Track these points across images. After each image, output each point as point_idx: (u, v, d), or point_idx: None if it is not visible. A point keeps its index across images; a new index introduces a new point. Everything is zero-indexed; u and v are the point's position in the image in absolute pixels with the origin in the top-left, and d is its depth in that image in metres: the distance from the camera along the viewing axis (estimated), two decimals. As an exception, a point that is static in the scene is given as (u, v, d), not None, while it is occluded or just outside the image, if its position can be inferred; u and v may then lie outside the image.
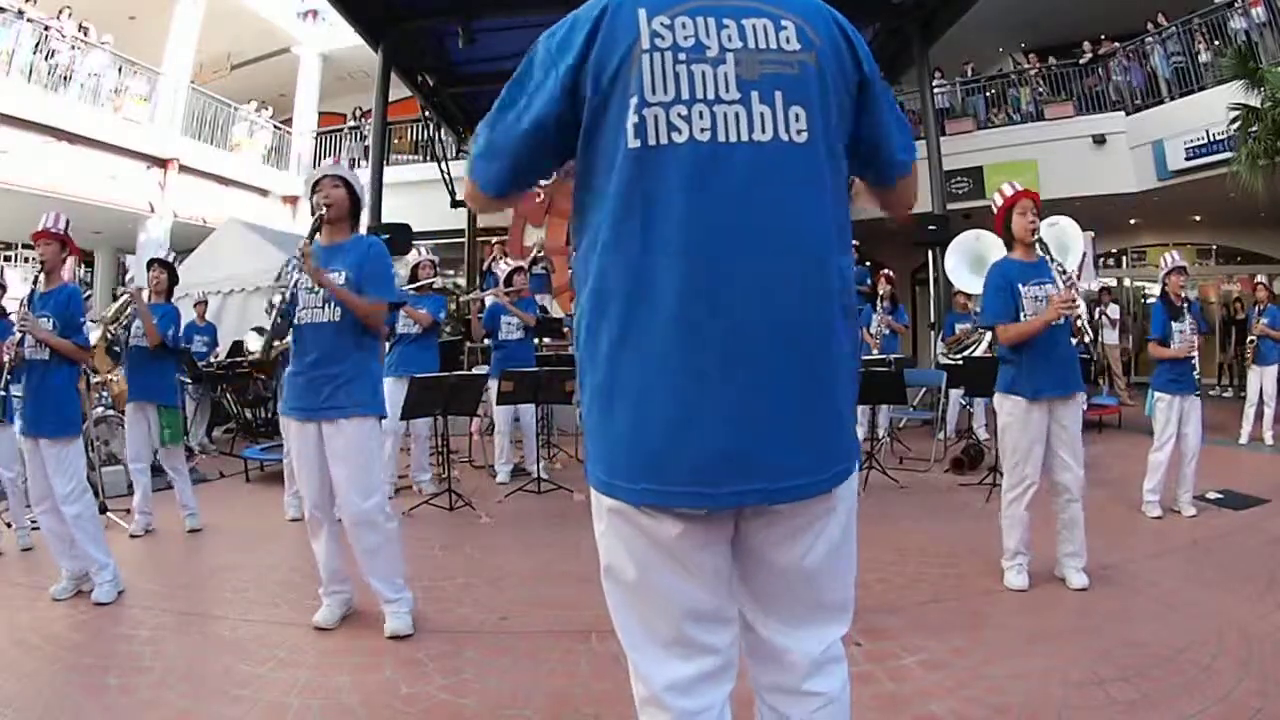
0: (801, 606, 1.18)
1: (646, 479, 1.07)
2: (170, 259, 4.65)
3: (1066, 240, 7.32)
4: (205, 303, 8.46)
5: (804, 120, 1.08)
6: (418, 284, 5.43)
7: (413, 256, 5.66)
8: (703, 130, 1.05)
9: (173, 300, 4.54)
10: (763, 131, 1.06)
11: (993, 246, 6.78)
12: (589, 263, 1.12)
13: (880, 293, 7.40)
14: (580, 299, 1.15)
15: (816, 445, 1.10)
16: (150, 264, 4.52)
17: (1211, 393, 10.64)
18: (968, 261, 6.35)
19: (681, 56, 1.06)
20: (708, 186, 1.05)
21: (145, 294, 4.36)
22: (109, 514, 4.38)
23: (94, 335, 4.33)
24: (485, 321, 5.55)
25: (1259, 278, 7.69)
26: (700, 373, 1.05)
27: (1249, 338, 6.84)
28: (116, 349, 4.55)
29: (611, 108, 1.07)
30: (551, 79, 1.09)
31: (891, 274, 7.56)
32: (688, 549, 1.10)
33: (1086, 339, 3.54)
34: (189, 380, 7.10)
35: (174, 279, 4.58)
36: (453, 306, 13.05)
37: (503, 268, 10.03)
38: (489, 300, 5.82)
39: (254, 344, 4.70)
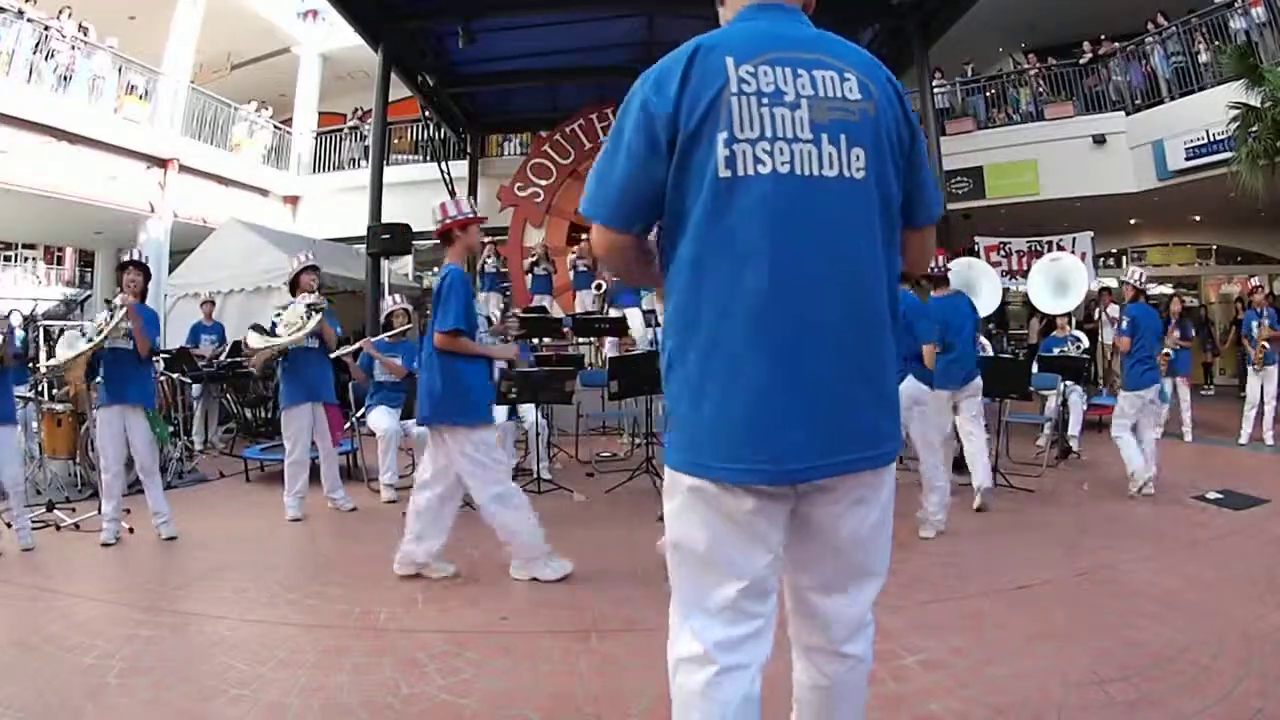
0: (850, 570, 1.38)
1: (733, 460, 1.26)
2: (143, 259, 4.47)
3: (1068, 279, 7.35)
4: (213, 302, 8.47)
5: (863, 160, 1.28)
6: (392, 332, 5.43)
7: (386, 305, 5.62)
8: (782, 164, 1.24)
9: (164, 300, 4.49)
10: (830, 167, 1.26)
11: (984, 274, 6.82)
12: (680, 273, 1.30)
13: None
14: (669, 304, 1.34)
15: (872, 428, 1.31)
16: (125, 266, 4.32)
17: (1204, 393, 10.66)
18: (959, 286, 6.41)
19: (764, 100, 1.25)
20: (785, 212, 1.24)
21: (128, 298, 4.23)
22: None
23: (80, 345, 4.22)
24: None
25: (1254, 280, 7.68)
26: (778, 367, 1.24)
27: (1261, 343, 6.73)
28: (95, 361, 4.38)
29: (702, 141, 1.25)
30: (646, 122, 1.27)
31: None
32: (757, 522, 1.29)
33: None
34: (190, 380, 7.10)
35: (148, 279, 4.44)
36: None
37: (489, 269, 10.09)
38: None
39: (255, 341, 4.66)
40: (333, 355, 4.96)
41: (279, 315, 4.70)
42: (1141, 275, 5.71)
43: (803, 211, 1.25)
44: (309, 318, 4.63)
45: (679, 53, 1.30)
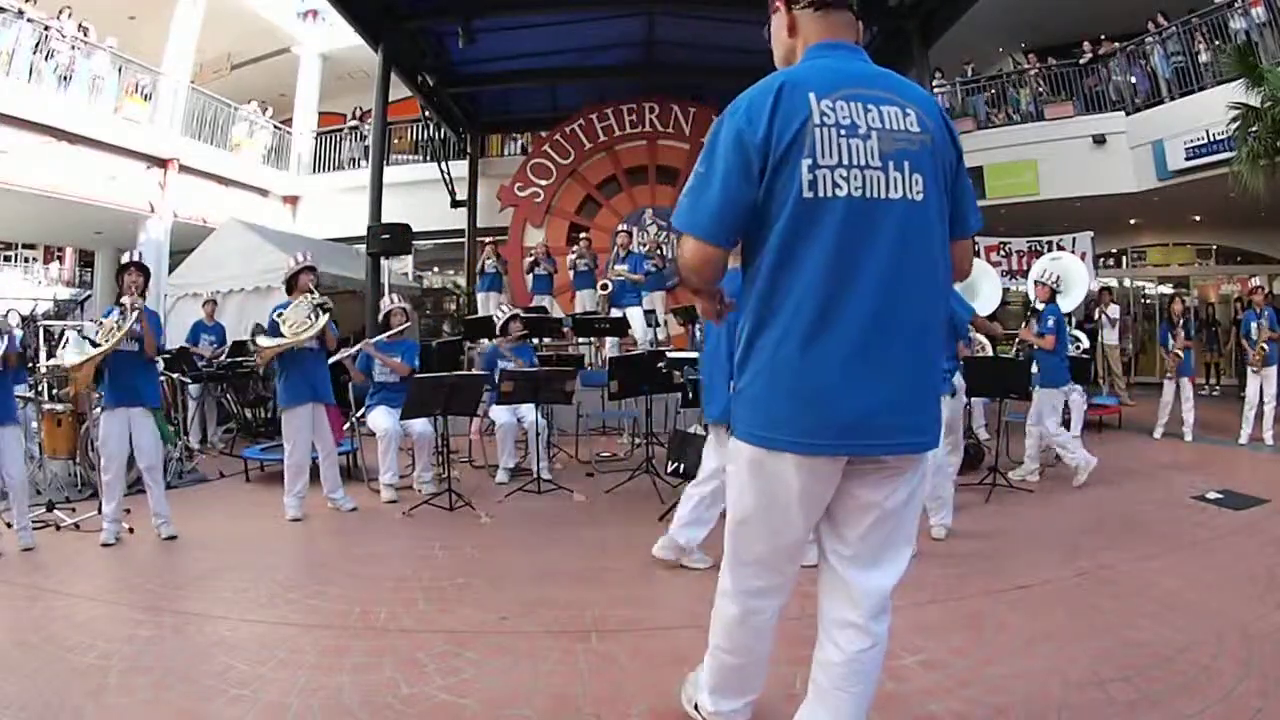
0: (880, 542, 1.60)
1: (810, 434, 1.49)
2: (137, 257, 4.47)
3: (1068, 278, 7.34)
4: (214, 303, 8.46)
5: (921, 184, 1.50)
6: (390, 332, 5.43)
7: (385, 304, 5.61)
8: (856, 188, 1.46)
9: (164, 300, 4.48)
10: (895, 191, 1.48)
11: (984, 274, 6.84)
12: (759, 275, 1.52)
13: None
14: (748, 301, 1.56)
15: (921, 418, 1.55)
16: (126, 268, 4.29)
17: (1203, 393, 10.65)
18: (958, 286, 6.42)
19: (842, 132, 1.46)
20: (858, 228, 1.46)
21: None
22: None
23: (90, 350, 4.18)
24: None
25: (1254, 280, 7.68)
26: (845, 359, 1.47)
27: (1260, 345, 6.71)
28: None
29: (788, 165, 1.46)
30: (739, 148, 1.47)
31: None
32: (807, 491, 1.54)
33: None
34: (190, 380, 7.10)
35: (148, 279, 4.41)
36: (453, 307, 13.14)
37: (490, 268, 10.09)
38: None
39: (266, 342, 4.63)
40: (332, 360, 4.95)
41: (279, 315, 4.69)
42: (1057, 277, 5.88)
43: (872, 227, 1.46)
44: (317, 317, 4.65)
45: (766, 86, 1.50)
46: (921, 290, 1.51)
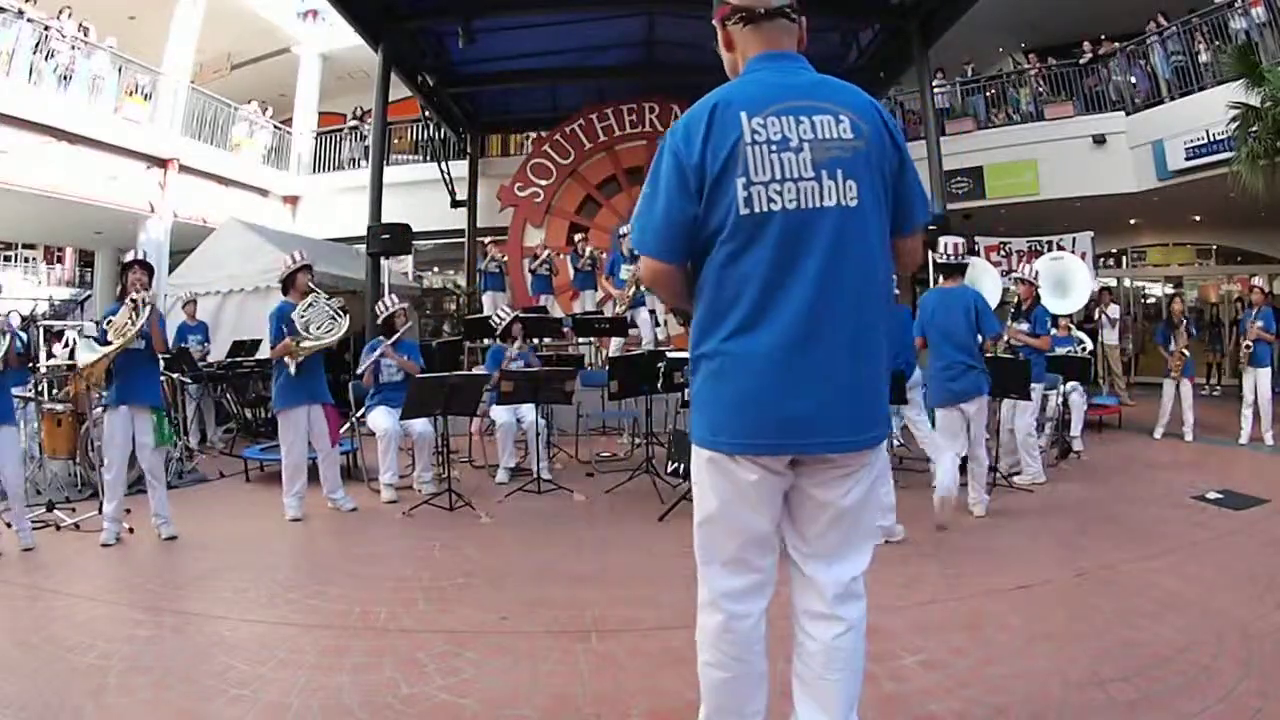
0: (838, 540, 1.63)
1: (751, 436, 1.54)
2: (141, 255, 4.45)
3: (1070, 279, 7.35)
4: (194, 302, 8.45)
5: (856, 190, 1.53)
6: (397, 335, 5.43)
7: (386, 305, 5.60)
8: (791, 201, 1.51)
9: (160, 305, 4.46)
10: (830, 199, 1.52)
11: (985, 272, 6.84)
12: (709, 284, 1.58)
13: None
14: (697, 312, 1.62)
15: (860, 415, 1.57)
16: (130, 265, 4.31)
17: (1202, 393, 10.65)
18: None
19: (774, 148, 1.51)
20: (794, 238, 1.51)
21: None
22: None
23: (103, 348, 4.18)
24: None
25: (1255, 279, 7.69)
26: (783, 363, 1.52)
27: (1245, 342, 6.79)
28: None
29: (723, 184, 1.51)
30: (678, 170, 1.54)
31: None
32: (762, 488, 1.57)
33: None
34: (189, 380, 7.10)
35: (151, 277, 4.40)
36: (453, 307, 13.14)
37: (492, 268, 10.10)
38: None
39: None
40: (359, 372, 5.01)
41: (300, 317, 4.67)
42: (1036, 272, 5.92)
43: (808, 237, 1.51)
44: (340, 317, 4.73)
45: (701, 107, 1.56)
46: (858, 293, 1.55)
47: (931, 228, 8.40)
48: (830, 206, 1.52)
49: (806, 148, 1.51)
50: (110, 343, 4.06)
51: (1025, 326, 5.65)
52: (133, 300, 4.12)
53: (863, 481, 1.61)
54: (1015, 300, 5.85)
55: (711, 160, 1.51)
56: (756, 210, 1.51)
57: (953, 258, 4.59)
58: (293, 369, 4.61)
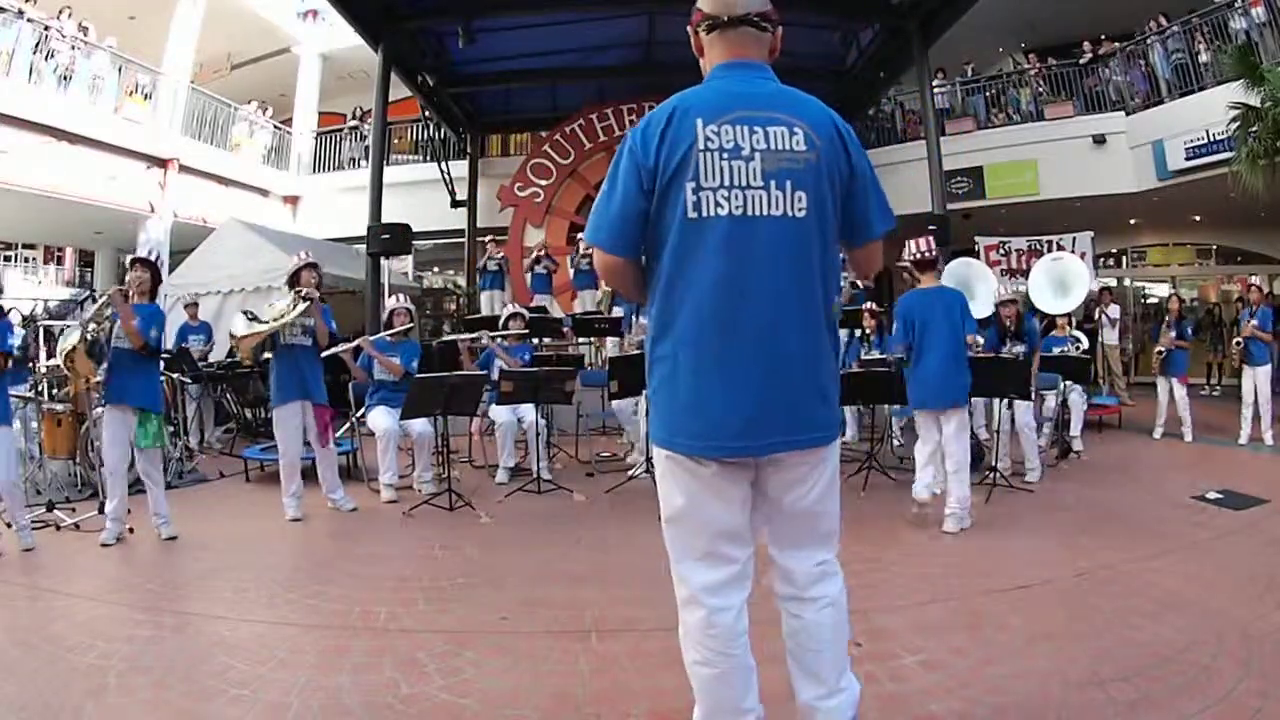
0: (802, 534, 1.71)
1: (700, 437, 1.60)
2: (153, 257, 4.48)
3: (1070, 279, 7.34)
4: (196, 304, 8.45)
5: (805, 201, 1.58)
6: (391, 330, 5.44)
7: (389, 304, 5.61)
8: (737, 207, 1.56)
9: (157, 300, 4.44)
10: (776, 208, 1.57)
11: (980, 277, 6.84)
12: (658, 289, 1.63)
13: (866, 329, 7.16)
14: (650, 316, 1.67)
15: (809, 416, 1.63)
16: (132, 263, 4.31)
17: (1202, 393, 10.65)
18: (954, 286, 6.48)
19: (725, 155, 1.55)
20: (740, 244, 1.56)
21: (130, 294, 4.18)
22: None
23: (72, 338, 4.24)
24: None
25: (1253, 279, 7.68)
26: (728, 365, 1.57)
27: (1236, 340, 6.84)
28: (97, 350, 4.31)
29: (674, 187, 1.56)
30: (634, 169, 1.59)
31: (875, 307, 7.24)
32: (721, 483, 1.63)
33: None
34: (189, 380, 7.10)
35: (157, 278, 4.41)
36: (453, 307, 13.14)
37: (492, 266, 10.13)
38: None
39: (240, 328, 4.61)
40: (328, 352, 4.92)
41: (270, 306, 4.70)
42: (1016, 290, 6.15)
43: (752, 243, 1.56)
44: (295, 305, 4.63)
45: (660, 112, 1.60)
46: (800, 300, 1.60)
47: (931, 228, 8.43)
48: (777, 215, 1.56)
49: (758, 157, 1.56)
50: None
51: (1021, 348, 5.75)
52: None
53: (820, 479, 1.67)
54: (1007, 324, 5.87)
55: (665, 163, 1.56)
56: (704, 214, 1.55)
57: (927, 254, 4.37)
58: (246, 360, 4.66)
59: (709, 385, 1.58)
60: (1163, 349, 7.05)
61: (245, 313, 4.76)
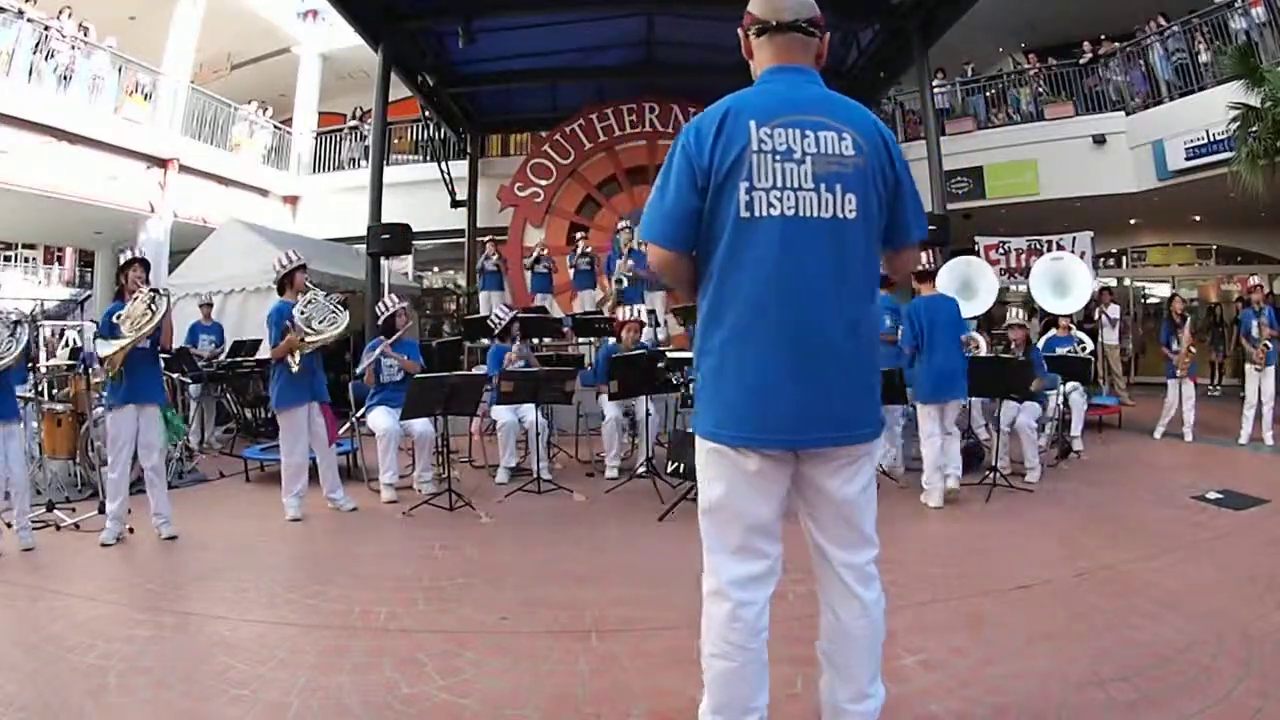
0: (845, 529, 1.74)
1: (749, 430, 1.64)
2: (141, 255, 4.43)
3: (1069, 279, 7.34)
4: (210, 304, 8.46)
5: (854, 204, 1.63)
6: (397, 334, 5.44)
7: (387, 305, 5.59)
8: (789, 208, 1.61)
9: (171, 301, 4.43)
10: (826, 210, 1.62)
11: (981, 274, 6.85)
12: (710, 284, 1.69)
13: None
14: (700, 309, 1.73)
15: (856, 411, 1.69)
16: (130, 264, 4.30)
17: (1209, 394, 10.65)
18: (956, 284, 6.49)
19: (778, 157, 1.61)
20: (791, 243, 1.61)
21: (133, 293, 4.20)
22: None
23: (119, 341, 4.14)
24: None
25: (1254, 279, 7.67)
26: (781, 362, 1.62)
27: (1263, 342, 6.66)
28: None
29: (728, 187, 1.62)
30: (688, 168, 1.64)
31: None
32: (762, 478, 1.66)
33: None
34: (190, 380, 7.10)
35: (148, 275, 4.41)
36: (453, 307, 13.14)
37: (491, 266, 10.14)
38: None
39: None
40: (359, 371, 5.02)
41: (302, 313, 4.67)
42: (1022, 313, 6.35)
43: (803, 243, 1.61)
44: (340, 311, 4.76)
45: (714, 112, 1.65)
46: (849, 299, 1.65)
47: (931, 228, 8.44)
48: (826, 217, 1.62)
49: (809, 160, 1.61)
50: (124, 335, 4.07)
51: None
52: (152, 292, 4.17)
53: (861, 473, 1.71)
54: (1025, 300, 5.95)
55: (719, 162, 1.60)
56: (757, 214, 1.61)
57: (928, 265, 5.00)
58: (295, 366, 4.60)
59: (758, 379, 1.62)
60: (1193, 349, 6.92)
61: (288, 319, 4.74)
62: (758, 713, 1.72)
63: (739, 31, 1.79)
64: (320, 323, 4.68)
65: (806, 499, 1.74)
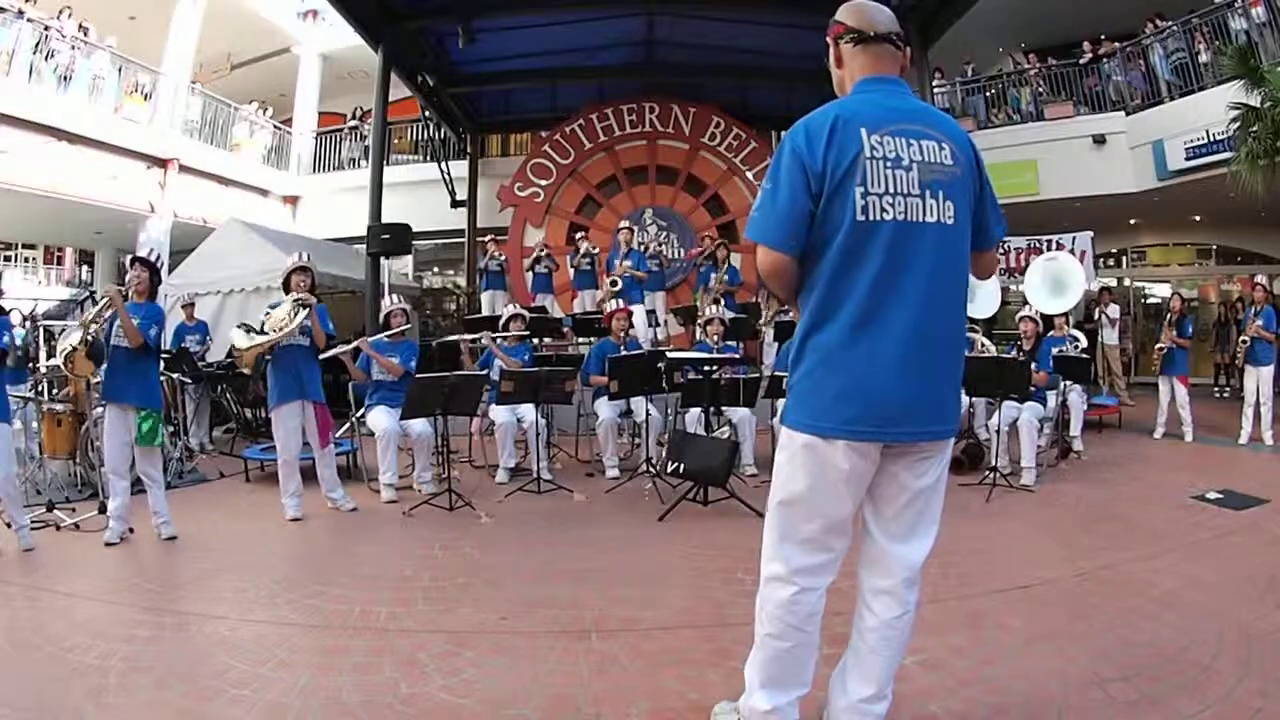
0: (913, 519, 1.83)
1: (847, 423, 1.71)
2: (153, 257, 4.47)
3: (1065, 278, 7.34)
4: (193, 304, 8.44)
5: (952, 210, 1.74)
6: (390, 331, 5.44)
7: (386, 304, 5.60)
8: (900, 213, 1.69)
9: (157, 300, 4.43)
10: (931, 215, 1.72)
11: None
12: (818, 284, 1.74)
13: None
14: (809, 301, 1.77)
15: (947, 408, 1.81)
16: (132, 262, 4.31)
17: (1214, 394, 10.66)
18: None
19: (888, 164, 1.69)
20: (901, 247, 1.69)
21: (129, 293, 4.18)
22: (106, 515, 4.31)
23: (73, 338, 4.24)
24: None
25: (1258, 278, 7.68)
26: (888, 359, 1.69)
27: (1241, 338, 6.86)
28: (97, 351, 4.29)
29: (843, 190, 1.67)
30: (801, 171, 1.69)
31: None
32: (850, 476, 1.74)
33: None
34: (189, 380, 7.10)
35: (157, 278, 4.40)
36: (453, 307, 13.14)
37: (493, 266, 10.15)
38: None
39: (240, 340, 4.62)
40: (326, 355, 4.92)
41: (267, 314, 4.69)
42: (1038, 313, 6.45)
43: (912, 247, 1.69)
44: (296, 314, 4.61)
45: (823, 117, 1.71)
46: (951, 301, 1.76)
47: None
48: (932, 222, 1.71)
49: (915, 168, 1.70)
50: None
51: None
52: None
53: (938, 466, 1.82)
54: (1019, 342, 6.05)
55: (834, 167, 1.67)
56: (871, 218, 1.68)
57: None
58: (246, 370, 4.65)
59: (868, 376, 1.69)
60: (1163, 345, 7.08)
61: (242, 325, 4.75)
62: (805, 688, 1.86)
63: (827, 40, 1.87)
64: (272, 322, 4.63)
65: (879, 492, 1.82)
